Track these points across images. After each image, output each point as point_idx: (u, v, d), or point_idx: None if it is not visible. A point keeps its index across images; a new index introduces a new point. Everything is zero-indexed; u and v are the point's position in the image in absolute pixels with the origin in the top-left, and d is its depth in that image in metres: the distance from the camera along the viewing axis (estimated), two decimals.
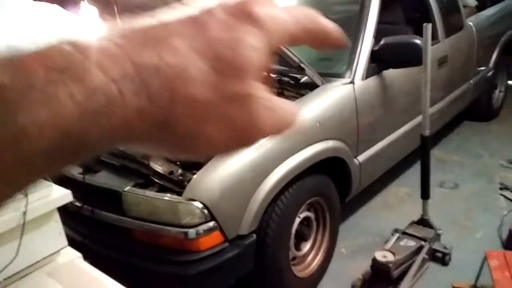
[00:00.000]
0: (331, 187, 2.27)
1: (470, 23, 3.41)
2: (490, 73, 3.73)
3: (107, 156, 2.04)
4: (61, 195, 1.13)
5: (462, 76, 3.40)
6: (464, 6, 3.53)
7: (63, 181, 2.12)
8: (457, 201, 2.90)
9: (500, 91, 4.11)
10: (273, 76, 2.35)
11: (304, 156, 2.00)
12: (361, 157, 2.41)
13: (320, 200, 2.22)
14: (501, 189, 2.95)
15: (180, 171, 1.83)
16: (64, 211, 2.10)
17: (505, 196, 2.87)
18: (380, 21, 2.51)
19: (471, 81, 3.51)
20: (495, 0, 4.02)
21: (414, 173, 3.19)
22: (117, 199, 1.82)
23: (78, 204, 1.98)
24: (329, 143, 2.15)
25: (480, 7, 4.02)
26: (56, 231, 1.11)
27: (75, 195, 2.02)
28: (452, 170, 3.27)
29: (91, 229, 1.94)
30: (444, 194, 2.97)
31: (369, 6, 2.48)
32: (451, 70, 3.12)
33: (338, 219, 2.40)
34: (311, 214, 2.22)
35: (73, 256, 1.20)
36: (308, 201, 2.14)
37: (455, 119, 3.69)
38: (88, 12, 1.83)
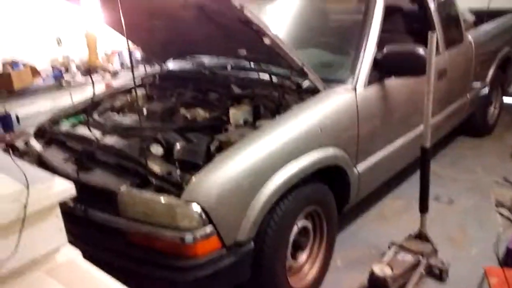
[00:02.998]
0: (329, 196, 2.22)
1: (469, 37, 3.42)
2: (486, 89, 3.75)
3: (102, 154, 1.97)
4: (64, 188, 1.06)
5: (459, 90, 3.40)
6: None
7: None
8: (452, 216, 2.87)
9: (495, 108, 4.13)
10: (275, 80, 2.31)
11: (304, 163, 1.96)
12: (360, 167, 2.37)
13: (318, 209, 2.16)
14: (497, 206, 2.94)
15: (178, 172, 1.76)
16: None
17: (501, 213, 2.85)
18: (382, 30, 2.49)
19: (468, 96, 3.52)
20: (491, 15, 4.05)
21: (409, 186, 3.20)
22: (112, 199, 1.74)
23: (70, 204, 1.89)
24: (330, 150, 2.11)
25: (477, 23, 4.05)
26: (56, 227, 1.04)
27: None
28: (446, 185, 3.25)
29: (84, 230, 1.86)
30: (439, 208, 2.94)
31: (373, 14, 2.46)
32: (449, 83, 3.12)
33: (336, 229, 2.35)
34: (308, 223, 2.17)
35: (73, 254, 1.12)
36: (306, 210, 2.09)
37: (450, 134, 3.69)
38: (90, 2, 1.77)
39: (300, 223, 2.08)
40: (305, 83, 2.26)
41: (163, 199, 1.65)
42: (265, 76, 2.37)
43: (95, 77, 4.01)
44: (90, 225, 1.82)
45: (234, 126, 2.13)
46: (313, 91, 2.20)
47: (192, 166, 1.80)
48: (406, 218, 2.80)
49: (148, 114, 2.29)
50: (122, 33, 2.27)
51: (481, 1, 4.62)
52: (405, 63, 2.28)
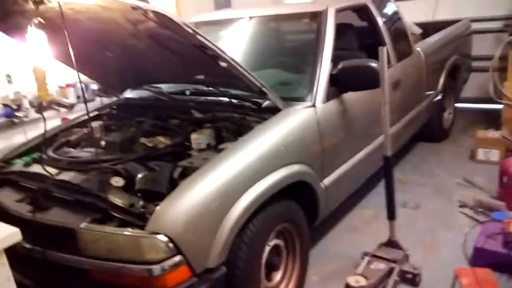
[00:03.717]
0: (299, 213, 2.22)
1: (418, 48, 3.56)
2: (439, 96, 3.90)
3: (59, 191, 1.89)
4: (8, 234, 0.99)
5: (414, 99, 3.52)
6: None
7: (9, 220, 1.97)
8: (420, 221, 2.93)
9: (449, 113, 4.30)
10: (235, 102, 2.31)
11: (271, 181, 1.95)
12: (327, 181, 2.39)
13: (288, 226, 2.15)
14: (460, 206, 3.02)
15: (141, 203, 1.71)
16: (11, 254, 1.92)
17: (465, 214, 2.93)
18: (336, 48, 2.56)
19: (423, 104, 3.64)
20: (437, 28, 4.25)
21: (376, 195, 3.25)
22: (72, 238, 1.66)
23: (27, 245, 1.80)
24: (295, 167, 2.11)
25: (424, 34, 4.23)
26: (3, 276, 0.96)
27: (24, 236, 1.86)
28: (412, 190, 3.32)
29: (43, 273, 1.76)
30: (407, 214, 2.99)
31: (325, 32, 2.53)
32: (404, 93, 3.22)
33: (308, 245, 2.34)
34: (280, 242, 2.14)
35: None
36: (277, 228, 2.07)
37: (410, 141, 3.80)
38: (36, 37, 1.72)
39: (272, 242, 2.06)
40: (265, 103, 2.27)
41: (126, 232, 1.59)
42: (225, 99, 2.37)
43: (49, 112, 3.89)
44: (50, 267, 1.72)
45: (197, 151, 2.10)
46: (274, 111, 2.22)
47: (155, 195, 1.75)
48: (376, 226, 2.83)
49: (107, 146, 2.22)
50: (72, 67, 2.22)
51: (426, 14, 4.87)
52: (360, 77, 2.34)
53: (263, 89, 2.09)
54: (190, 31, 1.70)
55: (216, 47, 1.83)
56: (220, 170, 1.81)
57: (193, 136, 2.13)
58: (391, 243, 2.39)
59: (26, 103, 3.96)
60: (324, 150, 2.31)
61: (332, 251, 2.68)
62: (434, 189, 3.33)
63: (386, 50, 2.10)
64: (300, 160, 2.15)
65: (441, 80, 3.91)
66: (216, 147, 2.11)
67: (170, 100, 2.57)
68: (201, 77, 2.23)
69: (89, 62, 2.54)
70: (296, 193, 2.17)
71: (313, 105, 2.30)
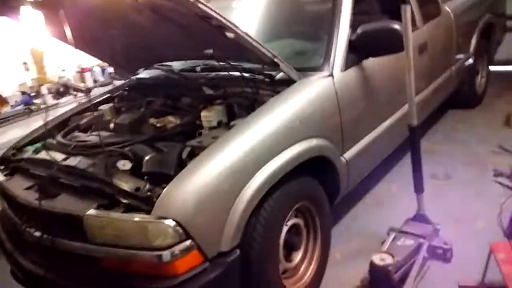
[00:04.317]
0: (318, 189, 2.10)
1: (447, 8, 3.30)
2: (471, 59, 3.63)
3: (66, 177, 1.83)
4: None
5: (443, 63, 3.29)
6: None
7: (18, 208, 1.94)
8: (451, 193, 2.75)
9: (482, 77, 4.02)
10: (247, 75, 2.18)
11: (287, 157, 1.83)
12: (348, 155, 2.24)
13: (308, 204, 2.04)
14: (495, 175, 2.82)
15: (147, 186, 1.62)
16: (23, 242, 1.89)
17: (500, 183, 2.73)
18: (355, 13, 2.36)
19: (453, 68, 3.40)
20: None
21: (403, 167, 3.08)
22: (79, 225, 1.61)
23: (37, 234, 1.76)
24: (313, 142, 1.98)
25: None
26: None
27: (33, 224, 1.83)
28: (441, 161, 3.13)
29: (54, 261, 1.72)
30: (437, 186, 2.82)
31: None
32: (432, 57, 3.00)
33: (330, 222, 2.22)
34: (299, 221, 2.04)
35: None
36: (295, 207, 1.96)
37: (439, 109, 3.57)
38: (32, 17, 1.63)
39: (290, 221, 1.95)
40: (279, 75, 2.13)
41: (132, 218, 1.51)
42: (236, 74, 2.24)
43: (67, 97, 3.87)
44: (60, 255, 1.68)
45: (208, 130, 2.00)
46: (288, 82, 2.07)
47: (163, 177, 1.66)
48: (403, 201, 2.67)
49: (116, 128, 2.15)
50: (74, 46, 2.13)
51: None
52: (381, 41, 2.16)
53: (275, 59, 1.95)
54: None
55: (221, 16, 1.69)
56: (230, 147, 1.70)
57: (203, 114, 2.02)
58: (419, 218, 2.24)
59: (44, 90, 3.97)
60: (343, 122, 2.16)
61: (356, 228, 2.56)
62: (466, 159, 3.13)
63: (409, 8, 1.90)
64: (317, 134, 2.01)
65: (473, 42, 3.64)
66: (228, 124, 2.00)
67: (180, 78, 2.46)
68: (210, 51, 2.10)
69: (95, 42, 2.46)
70: (315, 169, 2.05)
71: (331, 75, 2.14)
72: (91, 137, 2.12)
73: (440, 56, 3.20)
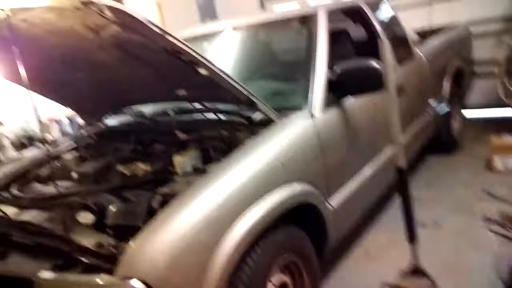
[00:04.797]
0: (305, 240, 1.91)
1: (419, 52, 3.32)
2: (445, 103, 3.63)
3: (19, 234, 1.58)
4: None
5: (420, 107, 3.26)
6: None
7: None
8: (442, 242, 2.59)
9: (457, 121, 4.02)
10: (222, 117, 2.04)
11: (269, 205, 1.65)
12: (334, 200, 2.08)
13: (294, 258, 1.83)
14: (485, 222, 2.69)
15: (112, 241, 1.40)
16: None
17: (492, 230, 2.60)
18: (330, 55, 2.30)
19: (430, 112, 3.37)
20: (435, 34, 4.03)
21: (388, 216, 2.94)
22: None
23: None
24: (296, 187, 1.82)
25: (421, 42, 4.00)
26: None
27: None
28: (428, 208, 2.99)
29: None
30: (427, 235, 2.65)
31: (317, 34, 2.28)
32: (409, 100, 2.95)
33: (318, 278, 2.01)
34: (286, 278, 1.82)
35: None
36: (280, 262, 1.75)
37: (419, 155, 3.50)
38: None
39: (276, 278, 1.74)
40: (256, 116, 2.00)
41: (91, 279, 1.28)
42: (211, 116, 2.10)
43: (32, 149, 3.62)
44: None
45: (182, 175, 1.82)
46: (267, 123, 1.94)
47: (131, 231, 1.45)
48: (393, 252, 2.49)
49: (79, 178, 1.94)
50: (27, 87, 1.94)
51: (421, 20, 4.67)
52: (361, 79, 2.08)
53: (252, 98, 1.82)
54: (157, 30, 1.44)
55: (192, 50, 1.57)
56: (205, 194, 1.52)
57: (176, 159, 1.84)
58: (414, 270, 2.06)
59: (6, 142, 3.72)
60: (327, 165, 2.02)
61: (347, 283, 2.34)
62: (453, 205, 3.00)
63: (387, 43, 1.83)
64: (300, 178, 1.85)
65: (446, 86, 3.65)
66: (203, 170, 1.83)
67: (151, 123, 2.31)
68: (182, 92, 1.97)
69: (56, 86, 2.29)
70: (300, 217, 1.87)
71: (311, 115, 2.03)
72: (50, 189, 1.90)
73: (417, 100, 3.17)
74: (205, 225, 1.44)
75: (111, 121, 2.63)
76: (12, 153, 3.57)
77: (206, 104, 2.06)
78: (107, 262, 1.33)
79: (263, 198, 1.65)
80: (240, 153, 1.75)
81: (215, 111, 2.04)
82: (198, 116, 2.14)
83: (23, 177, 2.23)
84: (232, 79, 1.73)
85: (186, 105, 2.17)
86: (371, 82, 2.03)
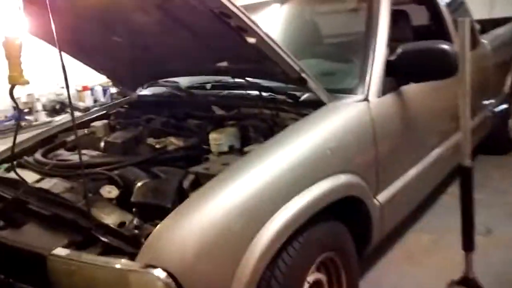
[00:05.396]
0: (347, 238, 1.71)
1: (484, 40, 3.00)
2: (505, 100, 3.30)
3: (37, 203, 1.46)
4: None
5: (481, 100, 2.95)
6: None
7: None
8: (494, 250, 2.33)
9: None
10: (266, 95, 1.84)
11: (312, 196, 1.45)
12: (383, 196, 1.87)
13: (333, 255, 1.64)
14: None
15: (135, 221, 1.24)
16: None
17: None
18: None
19: (490, 107, 3.07)
20: (494, 25, 3.68)
21: (435, 214, 2.69)
22: (42, 267, 1.22)
23: None
24: (343, 178, 1.61)
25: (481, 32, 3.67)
26: None
27: None
28: (479, 212, 2.69)
29: None
30: (478, 242, 2.39)
31: (379, 8, 2.02)
32: (472, 91, 2.65)
33: (357, 278, 1.82)
34: (322, 276, 1.63)
35: None
36: (319, 259, 1.56)
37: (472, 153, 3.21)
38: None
39: (311, 277, 1.55)
40: (305, 96, 1.79)
41: (109, 263, 1.12)
42: (254, 92, 1.90)
43: (63, 116, 3.56)
44: None
45: (217, 155, 1.64)
46: (316, 105, 1.72)
47: (157, 211, 1.29)
48: (438, 256, 2.27)
49: (107, 148, 1.80)
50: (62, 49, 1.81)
51: (481, 11, 4.30)
52: (427, 63, 1.82)
53: (303, 74, 1.61)
54: None
55: (243, 13, 1.37)
56: (244, 178, 1.34)
57: (212, 136, 1.67)
58: (467, 282, 1.82)
59: (39, 106, 3.67)
60: (380, 156, 1.79)
61: (384, 285, 2.14)
62: (506, 210, 2.73)
63: (468, 22, 1.58)
64: (349, 169, 1.64)
65: (508, 81, 3.31)
66: (241, 150, 1.65)
67: (187, 96, 2.14)
68: (224, 64, 1.78)
69: (94, 51, 2.15)
70: (343, 212, 1.67)
71: (366, 99, 1.80)
72: (76, 157, 1.76)
73: (478, 92, 2.87)
74: (241, 214, 1.26)
75: (146, 91, 2.48)
76: (43, 117, 3.51)
77: (249, 79, 1.86)
78: (128, 244, 1.18)
79: (308, 189, 1.45)
80: (284, 136, 1.55)
81: (258, 88, 1.84)
82: (238, 92, 1.95)
83: (50, 142, 2.12)
84: (282, 49, 1.52)
85: (227, 79, 1.99)
86: (439, 67, 1.78)
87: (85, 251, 1.21)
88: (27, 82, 1.34)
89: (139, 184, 1.41)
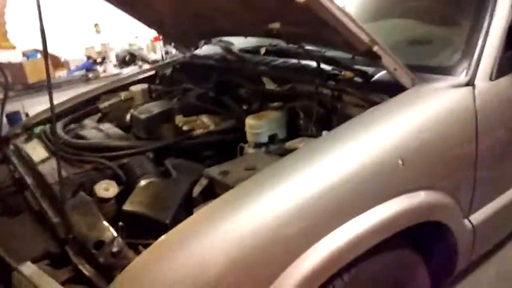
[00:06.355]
0: (420, 271, 1.27)
1: None
2: None
3: (31, 191, 1.24)
4: None
5: None
6: None
7: None
8: None
9: None
10: (327, 69, 1.40)
11: (374, 221, 1.04)
12: (476, 217, 1.37)
13: None
14: None
15: (116, 243, 0.94)
16: None
17: None
18: None
19: None
20: None
21: None
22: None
23: None
24: (422, 196, 1.14)
25: None
26: None
27: None
28: None
29: None
30: None
31: None
32: None
33: None
34: None
35: None
36: None
37: None
38: None
39: None
40: (379, 74, 1.31)
41: None
42: (312, 64, 1.46)
43: (131, 67, 3.40)
44: None
45: (252, 147, 1.27)
46: (393, 89, 1.24)
47: (152, 225, 0.99)
48: None
49: (131, 122, 1.53)
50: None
51: None
52: None
53: (375, 48, 1.13)
54: None
55: None
56: (274, 195, 0.95)
57: (249, 122, 1.29)
58: None
59: (112, 56, 3.56)
60: (479, 166, 1.28)
61: None
62: None
63: None
64: (434, 184, 1.17)
65: None
66: (284, 142, 1.26)
67: (237, 62, 1.76)
68: (275, 25, 1.35)
69: (145, 5, 1.85)
70: (418, 235, 1.23)
71: (470, 84, 1.26)
72: (92, 133, 1.51)
73: None
74: (265, 248, 0.90)
75: (199, 51, 2.16)
76: (112, 69, 3.39)
77: (307, 47, 1.43)
78: (100, 274, 0.90)
79: (368, 210, 1.03)
80: (345, 131, 1.12)
81: (319, 58, 1.40)
82: (294, 62, 1.52)
83: (92, 104, 1.92)
84: (345, 13, 1.06)
85: (282, 45, 1.57)
86: None
87: (54, 271, 0.95)
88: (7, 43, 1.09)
89: (142, 182, 1.11)
